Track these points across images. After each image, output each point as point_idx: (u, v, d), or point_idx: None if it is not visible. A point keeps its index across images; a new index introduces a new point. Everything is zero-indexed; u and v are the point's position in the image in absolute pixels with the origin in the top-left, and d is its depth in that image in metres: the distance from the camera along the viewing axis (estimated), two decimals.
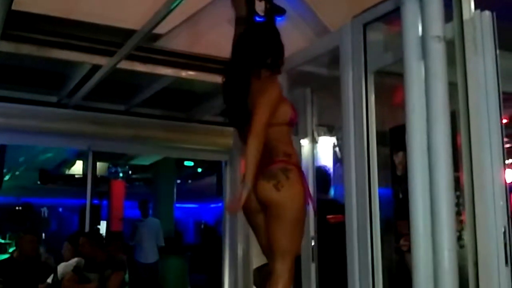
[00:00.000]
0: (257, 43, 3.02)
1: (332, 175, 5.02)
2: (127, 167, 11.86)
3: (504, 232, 2.79)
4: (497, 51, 2.96)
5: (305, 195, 2.83)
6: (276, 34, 3.10)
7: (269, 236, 2.82)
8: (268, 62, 2.98)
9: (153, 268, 9.25)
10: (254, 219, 2.94)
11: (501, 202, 2.83)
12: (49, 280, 5.61)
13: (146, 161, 11.45)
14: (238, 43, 3.09)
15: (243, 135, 2.90)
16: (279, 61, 3.04)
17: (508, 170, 2.98)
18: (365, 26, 3.54)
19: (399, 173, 3.55)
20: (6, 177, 10.82)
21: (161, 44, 4.90)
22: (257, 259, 5.58)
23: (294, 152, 2.95)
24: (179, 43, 4.96)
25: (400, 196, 3.46)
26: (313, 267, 4.08)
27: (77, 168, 11.15)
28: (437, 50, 2.84)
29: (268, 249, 2.88)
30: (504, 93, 2.97)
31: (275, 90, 2.91)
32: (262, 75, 2.94)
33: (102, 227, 11.65)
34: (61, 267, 5.78)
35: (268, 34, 3.09)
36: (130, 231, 9.85)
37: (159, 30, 4.42)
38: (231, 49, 3.10)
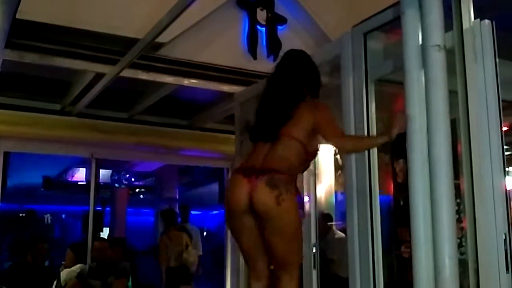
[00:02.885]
0: (299, 69, 3.10)
1: None
2: (130, 174, 11.89)
3: (505, 239, 2.79)
4: (497, 60, 2.97)
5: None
6: (309, 60, 3.19)
7: (272, 250, 2.87)
8: (305, 90, 3.07)
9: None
10: (240, 220, 2.90)
11: (501, 209, 2.83)
12: (53, 286, 5.63)
13: (148, 168, 11.48)
14: (276, 74, 3.15)
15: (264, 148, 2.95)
16: (316, 86, 3.14)
17: (508, 178, 2.99)
18: (365, 35, 3.56)
19: (400, 180, 3.57)
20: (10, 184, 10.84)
21: (163, 52, 4.93)
22: None
23: (299, 172, 3.08)
24: (182, 52, 4.99)
25: (401, 203, 3.47)
26: (314, 273, 4.09)
27: (81, 175, 11.19)
28: (437, 59, 2.86)
29: (256, 253, 2.94)
30: (504, 101, 2.99)
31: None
32: (306, 99, 3.04)
33: (105, 233, 11.65)
34: (64, 273, 5.81)
35: (303, 62, 3.15)
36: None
37: (161, 39, 4.46)
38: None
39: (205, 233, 16.08)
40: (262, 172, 2.80)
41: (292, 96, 3.00)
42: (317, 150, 3.07)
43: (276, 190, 2.75)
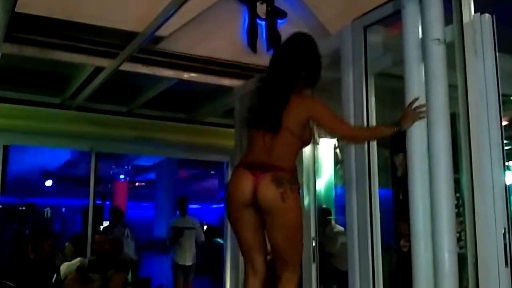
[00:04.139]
0: (296, 55, 3.05)
1: None
2: (129, 168, 11.89)
3: (504, 234, 2.80)
4: (497, 54, 2.97)
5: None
6: (314, 47, 3.13)
7: (274, 246, 2.90)
8: (304, 75, 3.02)
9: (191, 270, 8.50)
10: (241, 213, 2.91)
11: (501, 204, 2.83)
12: (52, 279, 5.64)
13: (148, 162, 11.49)
14: (277, 54, 3.14)
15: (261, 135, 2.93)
16: (315, 74, 3.08)
17: (507, 172, 2.99)
18: (365, 28, 3.55)
19: (399, 174, 3.57)
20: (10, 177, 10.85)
21: (163, 46, 4.92)
22: None
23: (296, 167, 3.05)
24: (181, 45, 4.98)
25: (401, 197, 3.47)
26: (313, 267, 4.10)
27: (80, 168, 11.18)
28: (437, 53, 2.86)
29: (254, 246, 2.95)
30: (503, 95, 2.99)
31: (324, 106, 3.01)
32: (301, 88, 3.01)
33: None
34: (64, 267, 5.81)
35: (307, 47, 3.11)
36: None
37: (161, 32, 4.44)
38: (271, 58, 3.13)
39: (205, 227, 16.12)
40: (268, 168, 2.82)
41: (290, 80, 2.97)
42: (310, 139, 3.08)
43: (282, 187, 2.78)
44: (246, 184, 2.83)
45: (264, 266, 2.98)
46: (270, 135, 2.89)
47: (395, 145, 3.62)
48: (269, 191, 2.78)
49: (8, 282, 5.14)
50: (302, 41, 3.13)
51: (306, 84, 3.05)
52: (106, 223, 11.76)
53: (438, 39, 2.84)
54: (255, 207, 2.84)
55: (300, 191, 3.04)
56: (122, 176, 11.99)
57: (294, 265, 2.91)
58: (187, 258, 8.31)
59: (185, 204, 8.68)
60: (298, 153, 3.02)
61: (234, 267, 6.57)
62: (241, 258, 6.14)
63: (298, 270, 2.97)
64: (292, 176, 2.87)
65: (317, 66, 3.10)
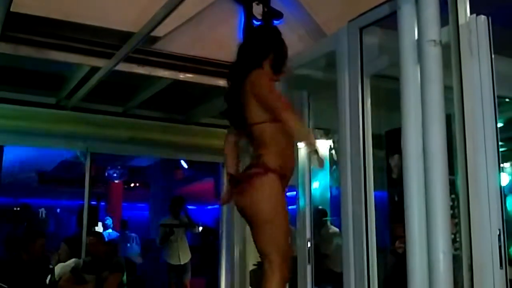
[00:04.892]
0: (256, 43, 3.04)
1: None
2: (125, 168, 11.85)
3: (499, 235, 2.80)
4: (493, 55, 2.97)
5: (276, 194, 2.81)
6: (276, 34, 3.11)
7: (255, 244, 2.89)
8: (269, 62, 2.98)
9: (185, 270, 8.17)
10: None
11: (496, 205, 2.84)
12: (47, 280, 5.62)
13: (143, 162, 11.46)
14: (240, 46, 3.11)
15: (244, 134, 2.96)
16: (280, 62, 3.04)
17: (502, 174, 2.99)
18: (361, 30, 3.55)
19: (394, 176, 3.57)
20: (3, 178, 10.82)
21: (159, 46, 4.91)
22: (254, 261, 5.61)
23: (271, 151, 2.85)
24: (177, 46, 4.97)
25: (396, 199, 3.47)
26: (308, 268, 4.10)
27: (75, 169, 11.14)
28: (433, 54, 2.86)
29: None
30: (499, 97, 2.99)
31: (264, 78, 2.90)
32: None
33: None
34: (59, 268, 5.80)
35: (267, 34, 3.10)
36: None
37: (157, 32, 4.43)
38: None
39: (200, 228, 16.07)
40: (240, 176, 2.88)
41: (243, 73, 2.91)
42: (276, 106, 2.82)
43: (240, 185, 2.84)
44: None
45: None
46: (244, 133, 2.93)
47: (390, 147, 3.62)
48: (235, 196, 2.87)
49: (0, 284, 5.12)
50: (255, 34, 3.18)
51: (273, 73, 3.00)
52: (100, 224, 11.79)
53: (434, 41, 2.85)
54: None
55: (272, 175, 2.81)
56: (117, 177, 11.93)
57: (272, 259, 2.76)
58: (181, 257, 8.01)
59: (180, 206, 8.34)
60: (260, 136, 2.87)
61: (229, 267, 6.59)
62: (236, 258, 6.14)
63: (280, 269, 2.76)
64: (253, 169, 2.82)
65: (281, 52, 3.05)
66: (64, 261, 6.01)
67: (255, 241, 2.85)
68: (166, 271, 8.08)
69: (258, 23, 4.96)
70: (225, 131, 3.14)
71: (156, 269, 8.70)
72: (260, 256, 2.90)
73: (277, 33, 3.12)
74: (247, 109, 2.88)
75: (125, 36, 4.50)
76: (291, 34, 4.83)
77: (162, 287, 8.45)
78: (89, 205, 7.16)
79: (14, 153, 8.56)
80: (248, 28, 3.14)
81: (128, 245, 9.72)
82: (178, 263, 8.00)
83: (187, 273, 8.10)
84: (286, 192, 2.98)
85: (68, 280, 5.61)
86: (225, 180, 2.90)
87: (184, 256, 8.07)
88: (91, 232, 6.64)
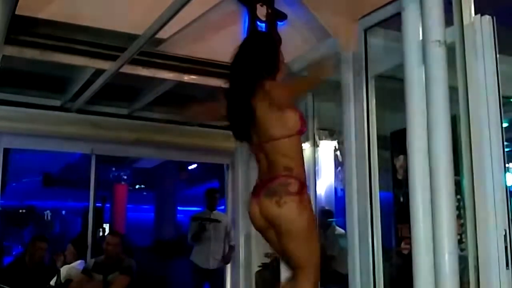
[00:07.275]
0: (256, 55, 2.96)
1: None
2: (130, 170, 11.88)
3: (505, 235, 2.80)
4: (497, 55, 2.97)
5: (309, 206, 2.82)
6: (273, 45, 3.07)
7: (286, 254, 2.84)
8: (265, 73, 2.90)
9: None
10: (266, 235, 2.92)
11: (501, 206, 2.83)
12: (52, 282, 5.63)
13: (149, 164, 11.48)
14: (237, 56, 3.04)
15: (253, 147, 2.91)
16: (275, 71, 2.96)
17: (508, 174, 2.98)
18: (366, 31, 3.55)
19: (400, 177, 3.56)
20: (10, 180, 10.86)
21: (163, 48, 4.92)
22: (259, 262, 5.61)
23: (298, 164, 2.84)
24: (182, 48, 4.97)
25: (401, 200, 3.47)
26: None
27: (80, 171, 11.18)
28: (438, 55, 2.86)
29: (287, 261, 2.91)
30: (504, 97, 2.99)
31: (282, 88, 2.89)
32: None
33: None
34: (65, 270, 5.80)
35: (266, 46, 3.07)
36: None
37: (161, 35, 4.44)
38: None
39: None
40: (264, 185, 2.80)
41: (250, 87, 2.86)
42: (298, 123, 2.83)
43: (275, 196, 2.73)
44: (254, 210, 2.84)
45: None
46: (259, 146, 2.85)
47: (395, 148, 3.61)
48: (267, 208, 2.76)
49: (5, 286, 5.14)
50: (251, 45, 3.08)
51: (270, 78, 2.92)
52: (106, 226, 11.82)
53: (439, 41, 2.85)
54: (273, 227, 2.82)
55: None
56: (122, 178, 11.97)
57: (309, 271, 2.78)
58: (211, 259, 6.88)
59: (215, 197, 7.34)
60: (286, 151, 2.81)
61: (234, 269, 6.57)
62: (241, 260, 6.12)
63: (315, 275, 2.81)
64: (286, 180, 2.76)
65: (276, 63, 2.98)
66: (70, 263, 6.02)
67: (286, 251, 2.82)
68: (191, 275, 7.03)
69: (262, 24, 4.98)
70: (230, 132, 3.11)
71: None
72: (287, 264, 2.90)
73: (275, 45, 3.09)
74: (267, 124, 2.81)
75: (129, 38, 4.51)
76: (295, 35, 4.83)
77: None
78: (94, 207, 7.18)
79: (19, 156, 8.58)
80: (253, 33, 3.08)
81: None
82: (208, 267, 6.89)
83: (217, 280, 7.05)
84: None
85: (79, 281, 5.63)
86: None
87: (216, 259, 6.92)
88: (113, 231, 6.56)
